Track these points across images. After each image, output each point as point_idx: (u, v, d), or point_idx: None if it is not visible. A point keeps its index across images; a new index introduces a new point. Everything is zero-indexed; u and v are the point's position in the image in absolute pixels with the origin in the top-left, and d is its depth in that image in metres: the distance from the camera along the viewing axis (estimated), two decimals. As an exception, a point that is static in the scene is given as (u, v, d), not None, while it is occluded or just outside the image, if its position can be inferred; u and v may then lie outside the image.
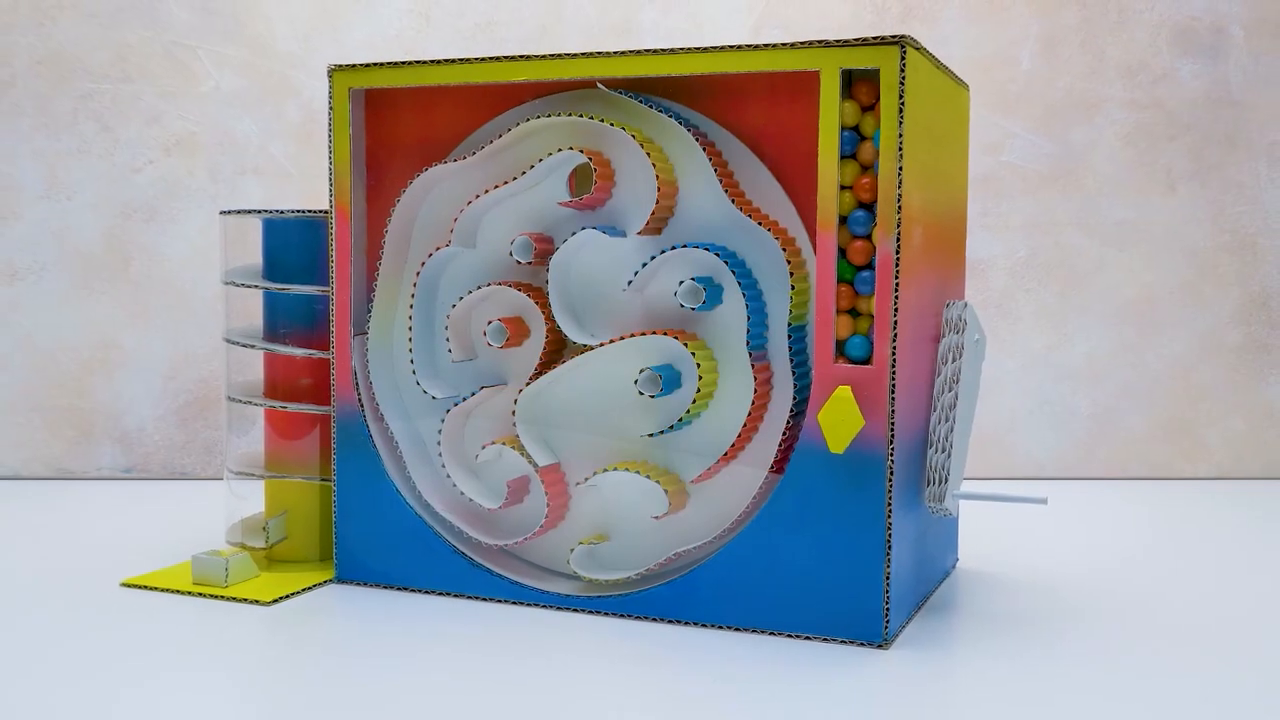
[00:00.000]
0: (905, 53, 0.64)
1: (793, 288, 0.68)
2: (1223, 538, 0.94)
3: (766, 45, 0.67)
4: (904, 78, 0.64)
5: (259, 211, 0.81)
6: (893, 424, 0.65)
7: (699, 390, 0.68)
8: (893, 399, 0.65)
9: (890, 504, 0.65)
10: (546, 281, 0.71)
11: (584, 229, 0.71)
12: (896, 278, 0.64)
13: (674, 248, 0.69)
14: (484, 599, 0.74)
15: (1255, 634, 0.70)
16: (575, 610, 0.72)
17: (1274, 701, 0.59)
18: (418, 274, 0.75)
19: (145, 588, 0.76)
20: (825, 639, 0.67)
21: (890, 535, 0.65)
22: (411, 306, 0.75)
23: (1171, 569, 0.84)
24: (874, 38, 0.64)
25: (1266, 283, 1.16)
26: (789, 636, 0.68)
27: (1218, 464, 1.18)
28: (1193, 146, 1.16)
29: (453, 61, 0.73)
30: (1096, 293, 1.17)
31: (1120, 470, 1.18)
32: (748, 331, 0.68)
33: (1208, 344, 1.17)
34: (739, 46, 0.67)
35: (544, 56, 0.71)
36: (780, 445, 0.69)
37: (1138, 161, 1.16)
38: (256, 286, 0.80)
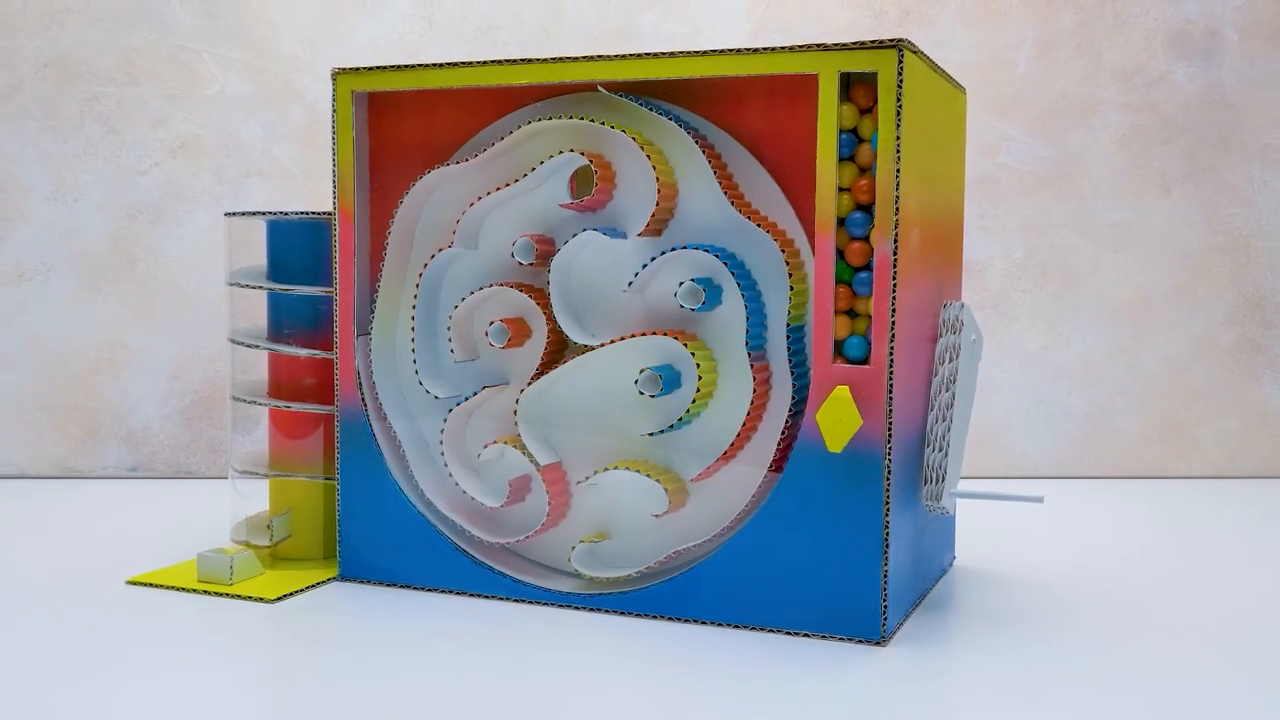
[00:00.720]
0: (903, 56, 0.64)
1: (791, 289, 0.68)
2: (1217, 536, 0.94)
3: (765, 49, 0.67)
4: (901, 81, 0.64)
5: (263, 213, 0.81)
6: (890, 423, 0.66)
7: (699, 390, 0.69)
8: (890, 399, 0.65)
9: (888, 502, 0.66)
10: (548, 282, 0.72)
11: (585, 230, 0.71)
12: (894, 279, 0.65)
13: (674, 249, 0.69)
14: (486, 597, 0.75)
15: (1249, 632, 0.70)
16: (576, 608, 0.73)
17: (1269, 699, 0.59)
18: (420, 275, 0.75)
19: (150, 585, 0.77)
20: (824, 636, 0.68)
21: (888, 533, 0.66)
22: (414, 307, 0.76)
23: (1166, 567, 0.85)
24: (872, 41, 0.65)
25: (1260, 284, 1.17)
26: (788, 634, 0.68)
27: (1211, 463, 1.18)
28: (1187, 149, 1.16)
29: (455, 65, 0.74)
30: (1092, 294, 1.17)
31: (1115, 469, 1.18)
32: (747, 332, 0.69)
33: (1202, 345, 1.18)
34: (738, 50, 0.67)
35: (545, 60, 0.71)
36: (779, 444, 0.69)
37: (1133, 164, 1.16)
38: (261, 287, 0.81)
